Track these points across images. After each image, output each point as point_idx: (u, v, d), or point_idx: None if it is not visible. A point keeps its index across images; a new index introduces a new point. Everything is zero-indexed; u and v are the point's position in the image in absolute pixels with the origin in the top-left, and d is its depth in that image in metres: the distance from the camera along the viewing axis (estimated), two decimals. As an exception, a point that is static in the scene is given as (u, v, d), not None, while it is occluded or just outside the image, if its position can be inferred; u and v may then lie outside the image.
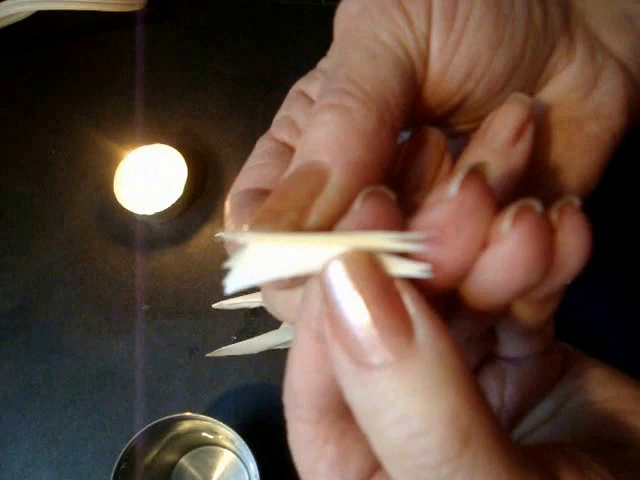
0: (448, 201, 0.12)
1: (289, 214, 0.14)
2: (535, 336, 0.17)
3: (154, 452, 0.41)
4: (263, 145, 0.21)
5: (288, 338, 0.44)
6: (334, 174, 0.14)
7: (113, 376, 0.46)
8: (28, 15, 0.53)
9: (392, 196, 0.13)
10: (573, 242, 0.12)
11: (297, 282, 0.14)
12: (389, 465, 0.12)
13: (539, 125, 0.17)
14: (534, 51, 0.17)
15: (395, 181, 0.16)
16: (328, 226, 0.14)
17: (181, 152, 0.49)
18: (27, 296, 0.49)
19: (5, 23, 0.53)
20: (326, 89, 0.15)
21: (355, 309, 0.11)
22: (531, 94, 0.18)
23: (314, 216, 0.14)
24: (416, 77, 0.16)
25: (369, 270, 0.11)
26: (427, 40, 0.16)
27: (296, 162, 0.15)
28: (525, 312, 0.15)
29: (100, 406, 0.46)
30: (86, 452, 0.45)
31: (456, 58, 0.16)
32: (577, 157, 0.18)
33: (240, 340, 0.46)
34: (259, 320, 0.47)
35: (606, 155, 0.18)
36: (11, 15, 0.53)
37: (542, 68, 0.18)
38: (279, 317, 0.17)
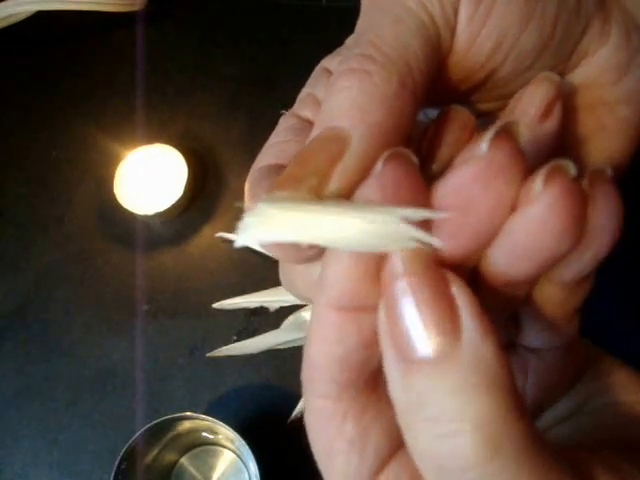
0: (476, 159, 0.11)
1: (308, 180, 0.13)
2: (561, 327, 0.16)
3: (154, 452, 0.41)
4: (286, 122, 0.21)
5: (288, 338, 0.44)
6: (354, 139, 0.14)
7: (113, 376, 0.46)
8: (28, 15, 0.53)
9: (414, 159, 0.12)
10: (605, 212, 0.12)
11: (314, 256, 0.14)
12: (418, 460, 0.12)
13: (568, 106, 0.17)
14: (566, 30, 0.16)
15: (421, 160, 0.16)
16: (349, 191, 0.14)
17: (181, 152, 0.49)
18: (27, 296, 0.49)
19: (5, 23, 0.53)
20: (347, 55, 0.15)
21: (407, 306, 0.11)
22: (561, 75, 0.17)
23: (334, 182, 0.14)
24: (441, 46, 0.16)
25: (425, 270, 0.11)
26: (455, 9, 0.15)
27: (316, 129, 0.15)
28: (555, 297, 0.15)
29: (100, 406, 0.46)
30: (86, 452, 0.45)
31: (484, 30, 0.16)
32: (607, 140, 0.18)
33: (240, 340, 0.46)
34: (259, 320, 0.47)
35: (636, 139, 0.18)
36: (11, 15, 0.53)
37: (573, 48, 0.17)
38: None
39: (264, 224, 0.12)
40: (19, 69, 0.57)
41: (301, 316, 0.44)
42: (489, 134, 0.11)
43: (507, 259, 0.12)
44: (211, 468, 0.44)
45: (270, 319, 0.46)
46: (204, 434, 0.43)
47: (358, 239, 0.12)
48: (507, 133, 0.11)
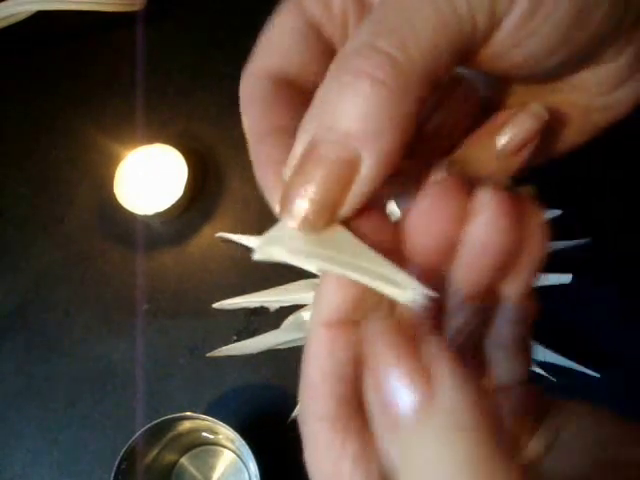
0: (428, 194, 0.14)
1: (323, 214, 0.14)
2: (522, 353, 0.17)
3: (154, 452, 0.41)
4: (289, 15, 0.19)
5: (288, 338, 0.44)
6: (365, 166, 0.14)
7: (113, 376, 0.46)
8: (28, 15, 0.53)
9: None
10: (534, 224, 0.15)
11: None
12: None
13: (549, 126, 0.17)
14: (598, 43, 0.16)
15: (422, 122, 0.16)
16: (354, 215, 0.15)
17: (181, 152, 0.49)
18: (27, 296, 0.49)
19: (5, 23, 0.53)
20: (367, 42, 0.14)
21: (384, 366, 0.12)
22: (566, 71, 0.17)
23: (344, 210, 0.14)
24: (472, 50, 0.14)
25: (403, 335, 0.12)
26: (500, 18, 0.14)
27: (312, 123, 0.14)
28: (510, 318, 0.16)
29: (100, 406, 0.46)
30: (86, 452, 0.45)
31: (523, 46, 0.15)
32: (571, 135, 0.19)
33: (240, 340, 0.46)
34: (259, 320, 0.47)
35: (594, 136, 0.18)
36: (11, 15, 0.53)
37: (593, 56, 0.16)
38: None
39: (284, 244, 0.15)
40: (19, 69, 0.57)
41: (301, 316, 0.44)
42: (438, 175, 0.14)
43: (467, 263, 0.14)
44: (211, 468, 0.44)
45: (270, 319, 0.46)
46: (204, 434, 0.43)
47: (359, 279, 0.14)
48: (452, 174, 0.14)
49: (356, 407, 0.14)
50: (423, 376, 0.12)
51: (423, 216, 0.14)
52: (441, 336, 0.13)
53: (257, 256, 0.14)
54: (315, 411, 0.15)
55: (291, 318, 0.45)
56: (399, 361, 0.12)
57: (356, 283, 0.14)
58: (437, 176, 0.14)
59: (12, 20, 0.53)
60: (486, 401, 0.11)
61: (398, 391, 0.12)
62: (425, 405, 0.11)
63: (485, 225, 0.13)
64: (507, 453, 0.11)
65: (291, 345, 0.45)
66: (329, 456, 0.15)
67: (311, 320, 0.15)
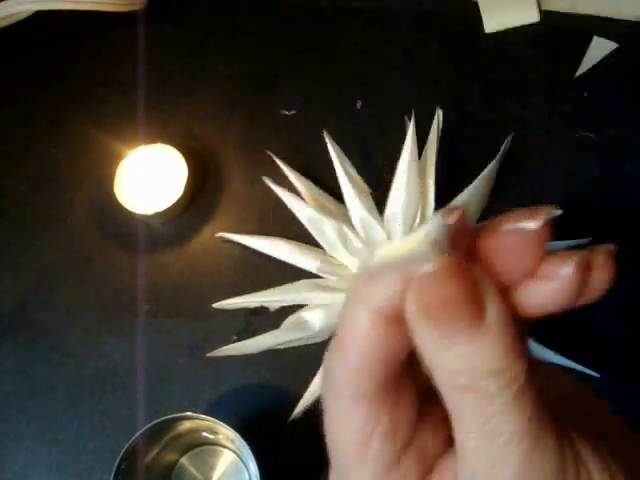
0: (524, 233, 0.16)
1: None
2: None
3: (154, 452, 0.41)
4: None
5: (288, 338, 0.44)
6: None
7: (113, 376, 0.46)
8: (28, 15, 0.53)
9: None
10: (603, 279, 0.16)
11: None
12: (452, 397, 0.15)
13: None
14: None
15: None
16: None
17: (181, 152, 0.49)
18: (27, 296, 0.49)
19: (5, 23, 0.53)
20: None
21: (448, 303, 0.15)
22: None
23: None
24: None
25: (459, 272, 0.15)
26: None
27: None
28: None
29: (100, 406, 0.46)
30: (86, 452, 0.45)
31: None
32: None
33: (240, 340, 0.46)
34: (259, 320, 0.47)
35: None
36: (11, 15, 0.53)
37: None
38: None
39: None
40: (19, 69, 0.57)
41: (301, 316, 0.44)
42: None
43: (534, 298, 0.16)
44: (211, 468, 0.44)
45: (270, 319, 0.46)
46: (204, 434, 0.43)
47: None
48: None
49: (393, 386, 0.16)
50: (478, 306, 0.15)
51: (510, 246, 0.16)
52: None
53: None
54: (352, 390, 0.16)
55: (291, 318, 0.45)
56: (459, 290, 0.15)
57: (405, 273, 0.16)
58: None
59: (12, 20, 0.53)
60: (517, 330, 0.15)
61: (456, 311, 0.15)
62: (476, 325, 0.15)
63: (557, 288, 0.16)
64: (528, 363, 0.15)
65: (291, 345, 0.45)
66: (361, 432, 0.16)
67: (357, 302, 0.16)
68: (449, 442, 0.17)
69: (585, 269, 0.16)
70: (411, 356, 0.17)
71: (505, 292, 0.16)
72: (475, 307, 0.15)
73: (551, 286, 0.16)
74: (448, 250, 0.15)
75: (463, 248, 0.16)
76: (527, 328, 0.16)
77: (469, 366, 0.15)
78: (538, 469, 0.15)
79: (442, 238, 0.15)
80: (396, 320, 0.16)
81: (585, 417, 0.18)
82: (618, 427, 0.18)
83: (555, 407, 0.16)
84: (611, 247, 0.17)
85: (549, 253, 0.16)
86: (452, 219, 0.15)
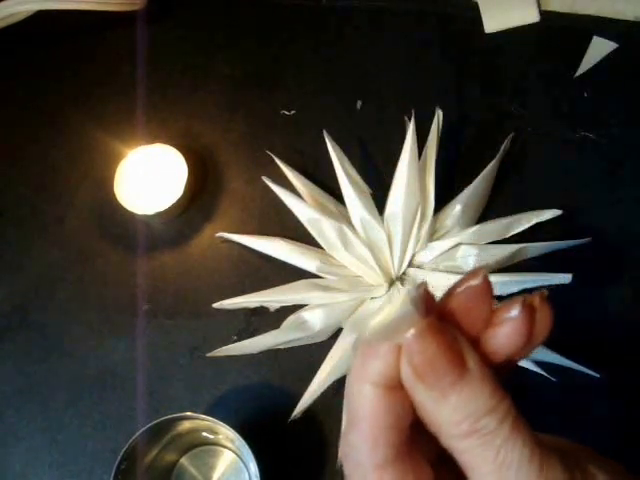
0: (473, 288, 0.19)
1: None
2: None
3: (154, 452, 0.41)
4: None
5: (288, 338, 0.44)
6: None
7: (113, 376, 0.46)
8: (28, 15, 0.53)
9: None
10: (545, 321, 0.19)
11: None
12: (460, 446, 0.18)
13: None
14: None
15: None
16: None
17: (181, 152, 0.49)
18: (27, 296, 0.49)
19: (4, 23, 0.53)
20: None
21: (435, 361, 0.17)
22: None
23: None
24: None
25: (439, 338, 0.18)
26: None
27: None
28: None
29: (100, 406, 0.46)
30: (86, 452, 0.45)
31: None
32: None
33: (240, 340, 0.46)
34: (259, 320, 0.47)
35: None
36: (11, 15, 0.53)
37: None
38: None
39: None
40: (19, 69, 0.57)
41: (301, 316, 0.44)
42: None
43: (496, 343, 0.19)
44: (211, 468, 0.44)
45: (270, 319, 0.46)
46: (204, 434, 0.43)
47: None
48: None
49: (408, 450, 0.18)
50: (460, 362, 0.18)
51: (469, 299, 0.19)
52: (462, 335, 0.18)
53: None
54: (374, 458, 0.18)
55: (291, 318, 0.45)
56: (442, 346, 0.17)
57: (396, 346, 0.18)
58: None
59: (12, 20, 0.53)
60: (494, 375, 0.18)
61: (443, 366, 0.17)
62: (462, 375, 0.17)
63: (510, 330, 0.19)
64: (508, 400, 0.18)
65: (291, 345, 0.45)
66: None
67: (359, 380, 0.18)
68: None
69: (528, 311, 0.18)
70: (417, 428, 0.19)
71: (474, 344, 0.18)
72: (457, 359, 0.17)
73: (506, 330, 0.18)
74: (423, 314, 0.17)
75: (434, 313, 0.18)
76: (499, 375, 0.19)
77: (467, 412, 0.17)
78: None
79: (419, 298, 0.18)
80: (396, 388, 0.18)
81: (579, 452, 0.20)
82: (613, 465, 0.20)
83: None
84: (544, 292, 0.20)
85: (499, 305, 0.19)
86: (422, 286, 0.18)
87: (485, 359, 0.18)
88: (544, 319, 0.19)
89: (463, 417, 0.17)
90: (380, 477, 0.18)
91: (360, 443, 0.18)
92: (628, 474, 0.19)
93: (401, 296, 0.18)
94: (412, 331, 0.17)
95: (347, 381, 0.19)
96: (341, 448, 0.19)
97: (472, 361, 0.18)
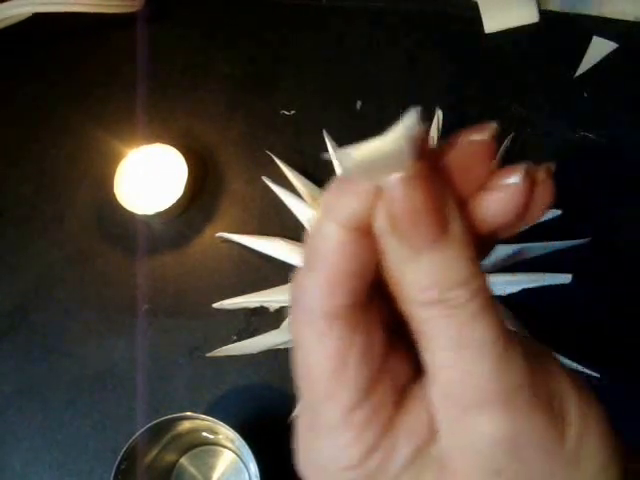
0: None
1: None
2: None
3: (154, 452, 0.41)
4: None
5: (288, 338, 0.44)
6: None
7: (113, 376, 0.46)
8: (28, 15, 0.53)
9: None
10: (543, 199, 0.17)
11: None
12: (423, 314, 0.16)
13: None
14: None
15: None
16: None
17: (181, 152, 0.49)
18: (27, 296, 0.49)
19: (3, 25, 0.53)
20: None
21: (417, 214, 0.15)
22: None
23: None
24: None
25: (427, 187, 0.15)
26: None
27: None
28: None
29: (100, 406, 0.46)
30: (86, 452, 0.45)
31: None
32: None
33: (240, 340, 0.46)
34: (259, 320, 0.47)
35: None
36: (9, 17, 0.52)
37: None
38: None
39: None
40: (19, 69, 0.57)
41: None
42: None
43: (486, 210, 0.17)
44: (211, 468, 0.44)
45: (270, 319, 0.46)
46: (204, 434, 0.43)
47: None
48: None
49: (364, 307, 0.17)
50: (443, 221, 0.15)
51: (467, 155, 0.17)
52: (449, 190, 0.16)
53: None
54: (326, 308, 0.16)
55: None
56: (428, 200, 0.15)
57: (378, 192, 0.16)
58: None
59: (10, 22, 0.53)
60: (474, 243, 0.16)
61: (424, 222, 0.15)
62: (441, 235, 0.15)
63: (506, 197, 0.17)
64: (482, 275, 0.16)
65: (291, 345, 0.45)
66: (336, 356, 0.16)
67: (326, 218, 0.16)
68: (418, 374, 0.17)
69: (529, 182, 0.16)
70: (376, 289, 0.17)
71: (461, 207, 0.16)
72: (441, 219, 0.15)
73: (500, 196, 0.16)
74: (415, 158, 0.15)
75: (426, 162, 0.16)
76: (479, 249, 0.17)
77: (437, 278, 0.15)
78: (513, 372, 0.15)
79: (416, 136, 0.15)
80: (366, 234, 0.16)
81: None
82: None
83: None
84: (551, 165, 0.17)
85: (498, 168, 0.17)
86: (420, 126, 0.15)
87: (469, 227, 0.16)
88: (544, 196, 0.17)
89: (432, 283, 0.15)
90: (329, 326, 0.16)
91: (315, 286, 0.16)
92: (590, 392, 0.17)
93: (396, 130, 0.15)
94: (399, 173, 0.15)
95: (313, 220, 0.17)
96: (291, 292, 0.17)
97: (456, 224, 0.16)
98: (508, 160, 0.50)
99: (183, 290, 0.48)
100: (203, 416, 0.38)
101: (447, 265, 0.15)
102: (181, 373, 0.46)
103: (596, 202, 0.49)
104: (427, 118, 0.49)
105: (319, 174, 0.50)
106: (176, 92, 0.55)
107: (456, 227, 0.16)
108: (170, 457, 0.43)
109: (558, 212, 0.45)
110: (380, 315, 0.17)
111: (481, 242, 0.17)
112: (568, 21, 0.55)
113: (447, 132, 0.49)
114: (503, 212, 0.16)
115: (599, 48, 0.53)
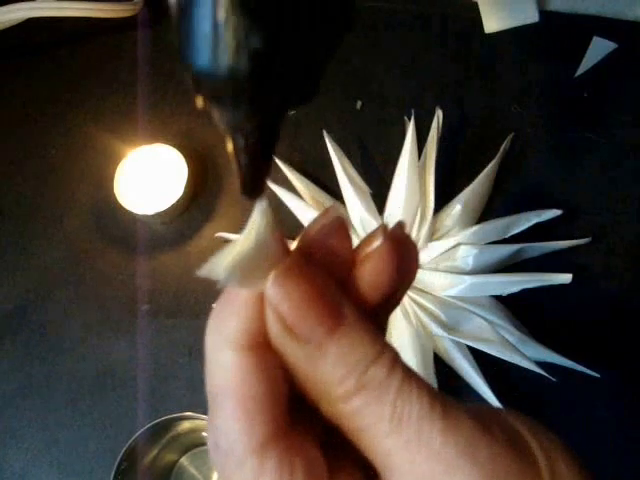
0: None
1: None
2: None
3: (154, 452, 0.41)
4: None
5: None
6: None
7: (113, 376, 0.46)
8: (25, 18, 0.53)
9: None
10: (411, 252, 0.17)
11: None
12: (347, 409, 0.15)
13: None
14: None
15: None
16: None
17: (181, 152, 0.49)
18: (27, 296, 0.49)
19: (4, 25, 0.53)
20: None
21: (307, 308, 0.15)
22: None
23: None
24: None
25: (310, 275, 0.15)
26: None
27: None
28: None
29: (100, 406, 0.46)
30: (86, 452, 0.45)
31: None
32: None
33: (240, 340, 0.46)
34: (259, 320, 0.47)
35: None
36: (8, 20, 0.52)
37: None
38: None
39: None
40: (19, 69, 0.57)
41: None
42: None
43: (366, 282, 0.16)
44: (211, 468, 0.44)
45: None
46: (204, 434, 0.43)
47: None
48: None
49: (291, 426, 0.15)
50: (338, 312, 0.15)
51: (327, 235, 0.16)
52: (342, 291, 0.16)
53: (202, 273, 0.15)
54: (252, 444, 0.14)
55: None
56: (312, 290, 0.15)
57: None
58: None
59: (12, 22, 0.53)
60: (371, 322, 0.16)
61: (316, 313, 0.15)
62: (340, 324, 0.15)
63: (377, 263, 0.16)
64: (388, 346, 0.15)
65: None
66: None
67: (211, 344, 0.16)
68: None
69: (391, 238, 0.16)
70: (294, 404, 0.16)
71: (342, 288, 0.16)
72: (332, 305, 0.15)
73: (372, 264, 0.16)
74: (283, 252, 0.15)
75: (296, 253, 0.16)
76: (376, 321, 0.17)
77: (350, 364, 0.15)
78: (464, 430, 0.14)
79: (273, 226, 0.15)
80: (262, 348, 0.15)
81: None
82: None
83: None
84: (401, 221, 0.17)
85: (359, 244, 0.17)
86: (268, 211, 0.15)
87: (358, 304, 0.16)
88: (411, 250, 0.17)
89: (346, 371, 0.14)
90: (260, 463, 0.14)
91: (230, 426, 0.15)
92: (547, 431, 0.16)
93: (254, 220, 0.14)
94: (274, 273, 0.14)
95: (206, 351, 0.16)
96: (209, 442, 0.15)
97: (346, 305, 0.15)
98: (508, 160, 0.50)
99: (183, 290, 0.48)
100: (203, 416, 0.38)
101: (354, 347, 0.15)
102: (181, 373, 0.46)
103: (596, 202, 0.49)
104: (427, 118, 0.49)
105: (319, 174, 0.50)
106: (176, 92, 0.55)
107: (348, 308, 0.15)
108: (170, 457, 0.43)
109: (558, 212, 0.45)
110: (309, 435, 0.16)
111: (374, 315, 0.16)
112: (568, 21, 0.55)
113: (447, 132, 0.49)
114: (380, 277, 0.16)
115: (599, 48, 0.53)
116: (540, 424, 0.16)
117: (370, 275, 0.16)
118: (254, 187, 0.15)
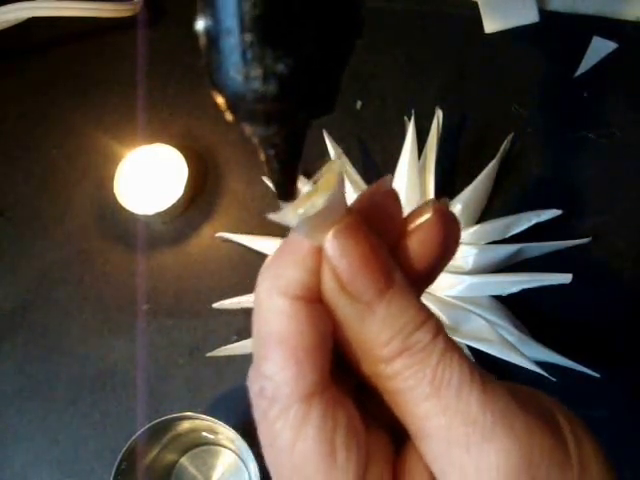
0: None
1: None
2: None
3: (154, 452, 0.41)
4: None
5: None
6: None
7: (113, 376, 0.46)
8: (25, 18, 0.53)
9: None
10: (455, 228, 0.17)
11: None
12: (390, 370, 0.15)
13: None
14: None
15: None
16: None
17: (181, 152, 0.49)
18: (27, 296, 0.49)
19: (4, 25, 0.53)
20: None
21: (363, 266, 0.15)
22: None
23: None
24: None
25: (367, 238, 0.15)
26: None
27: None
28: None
29: (100, 406, 0.46)
30: (86, 451, 0.45)
31: None
32: None
33: (240, 340, 0.46)
34: (259, 320, 0.47)
35: None
36: (7, 20, 0.52)
37: None
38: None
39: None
40: (19, 69, 0.57)
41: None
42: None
43: (412, 253, 0.17)
44: (211, 468, 0.44)
45: (270, 319, 0.46)
46: (204, 434, 0.43)
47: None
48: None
49: (331, 378, 0.16)
50: (388, 275, 0.15)
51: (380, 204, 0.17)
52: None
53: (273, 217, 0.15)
54: (300, 389, 0.15)
55: (291, 318, 0.45)
56: (370, 250, 0.15)
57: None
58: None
59: (11, 23, 0.53)
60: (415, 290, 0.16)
61: (371, 273, 0.15)
62: (389, 287, 0.15)
63: (426, 234, 0.17)
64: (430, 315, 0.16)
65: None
66: (322, 437, 0.15)
67: (266, 290, 0.16)
68: (396, 449, 0.17)
69: (440, 212, 0.17)
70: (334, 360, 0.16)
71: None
72: (385, 268, 0.15)
73: (421, 235, 0.17)
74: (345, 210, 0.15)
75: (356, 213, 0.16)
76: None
77: (397, 326, 0.15)
78: (500, 401, 0.15)
79: (342, 181, 0.15)
80: (314, 301, 0.15)
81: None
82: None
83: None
84: (445, 199, 0.18)
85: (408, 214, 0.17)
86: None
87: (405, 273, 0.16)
88: (455, 228, 0.17)
89: (393, 333, 0.15)
90: (306, 412, 0.15)
91: (279, 372, 0.15)
92: (583, 424, 0.17)
93: (330, 173, 0.15)
94: (335, 228, 0.15)
95: (255, 298, 0.16)
96: (252, 388, 0.16)
97: (397, 271, 0.15)
98: (508, 160, 0.50)
99: (183, 290, 0.48)
100: (203, 416, 0.38)
101: (403, 310, 0.15)
102: (181, 373, 0.46)
103: (596, 202, 0.49)
104: (427, 118, 0.49)
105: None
106: (176, 92, 0.55)
107: (398, 274, 0.16)
108: (170, 457, 0.43)
109: (558, 212, 0.45)
110: (347, 394, 0.16)
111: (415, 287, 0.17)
112: (568, 21, 0.55)
113: (447, 132, 0.49)
114: (427, 249, 0.17)
115: (599, 48, 0.53)
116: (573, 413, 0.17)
117: (418, 245, 0.16)
118: (287, 190, 0.16)
